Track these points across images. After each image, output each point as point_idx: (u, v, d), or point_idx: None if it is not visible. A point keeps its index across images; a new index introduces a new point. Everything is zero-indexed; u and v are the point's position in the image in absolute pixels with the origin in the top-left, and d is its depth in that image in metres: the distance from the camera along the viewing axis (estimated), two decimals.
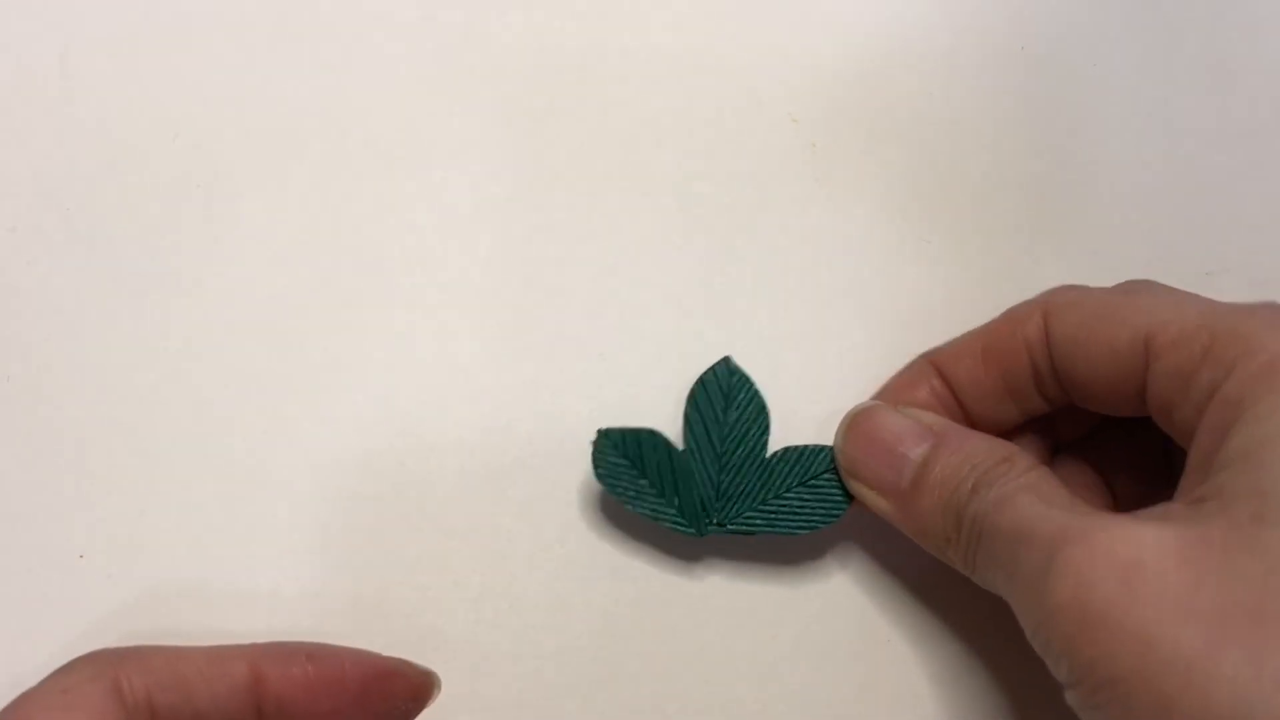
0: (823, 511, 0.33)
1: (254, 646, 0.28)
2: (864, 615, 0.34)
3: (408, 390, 0.35)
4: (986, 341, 0.32)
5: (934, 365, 0.33)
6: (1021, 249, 0.37)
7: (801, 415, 0.35)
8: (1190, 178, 0.38)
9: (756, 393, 0.33)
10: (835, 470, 0.33)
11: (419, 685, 0.29)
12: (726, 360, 0.34)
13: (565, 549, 0.34)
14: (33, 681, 0.27)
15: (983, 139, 0.38)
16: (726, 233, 0.37)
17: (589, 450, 0.33)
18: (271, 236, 0.37)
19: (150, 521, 0.34)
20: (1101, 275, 0.35)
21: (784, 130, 0.38)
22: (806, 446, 0.33)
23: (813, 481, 0.33)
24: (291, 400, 0.35)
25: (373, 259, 0.36)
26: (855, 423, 0.32)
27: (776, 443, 0.34)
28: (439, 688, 0.30)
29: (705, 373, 0.34)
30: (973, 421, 0.32)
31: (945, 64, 0.39)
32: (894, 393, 0.33)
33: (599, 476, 0.33)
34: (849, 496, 0.33)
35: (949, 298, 0.36)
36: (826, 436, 0.34)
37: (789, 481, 0.33)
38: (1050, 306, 0.31)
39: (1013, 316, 0.32)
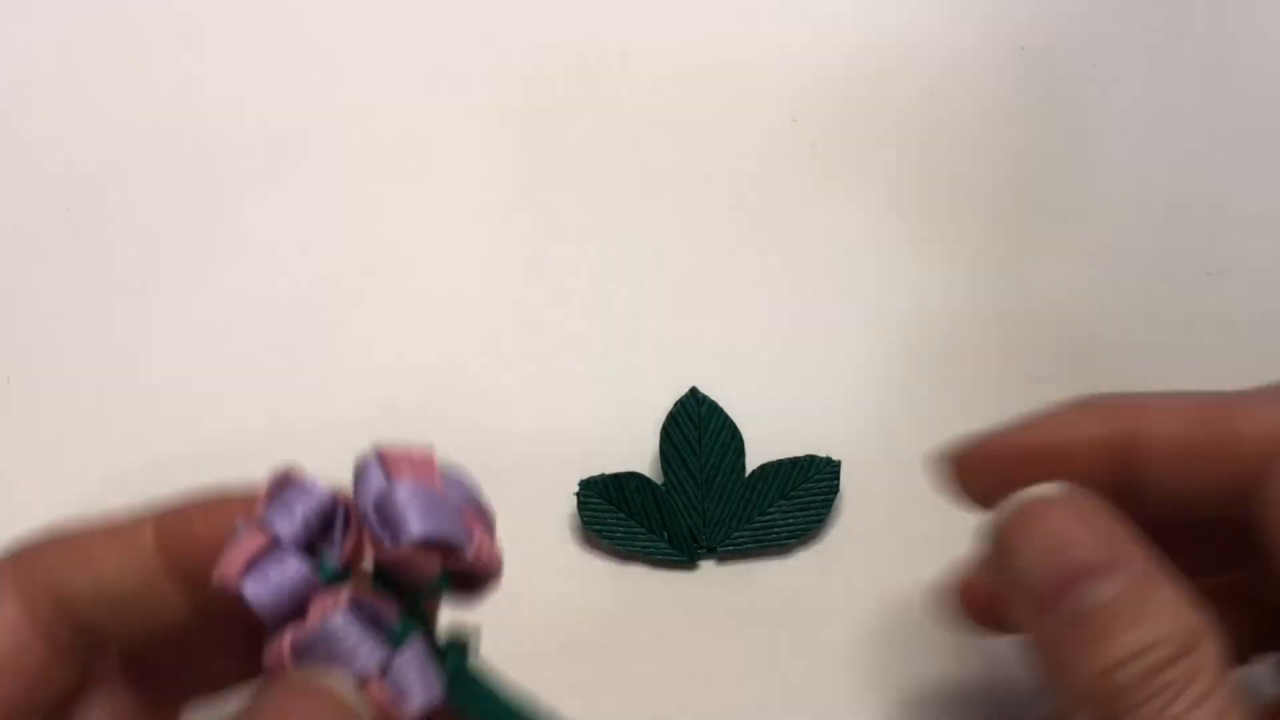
0: (805, 520, 0.33)
1: (157, 507, 0.25)
2: (864, 615, 0.34)
3: (408, 390, 0.35)
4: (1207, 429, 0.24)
5: (1120, 425, 0.25)
6: (1021, 249, 0.37)
7: (801, 416, 0.35)
8: (1190, 178, 0.38)
9: (727, 417, 0.34)
10: (811, 479, 0.34)
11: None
12: (694, 391, 0.34)
13: (565, 549, 0.34)
14: None
15: (983, 139, 0.38)
16: (726, 233, 0.37)
17: (575, 498, 0.34)
18: (272, 236, 0.37)
19: None
20: (1102, 275, 0.35)
21: (784, 130, 0.38)
22: (782, 460, 0.34)
23: (792, 493, 0.34)
24: (291, 400, 0.35)
25: (373, 259, 0.36)
26: (1029, 515, 0.24)
27: (779, 443, 0.34)
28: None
29: (674, 406, 0.34)
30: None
31: (945, 64, 0.39)
32: (1052, 449, 0.25)
33: (587, 524, 0.33)
34: (829, 502, 0.33)
35: (949, 298, 0.36)
36: (825, 436, 0.34)
37: (770, 496, 0.34)
38: None
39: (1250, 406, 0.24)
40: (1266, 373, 0.36)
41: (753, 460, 0.34)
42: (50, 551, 0.24)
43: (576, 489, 0.33)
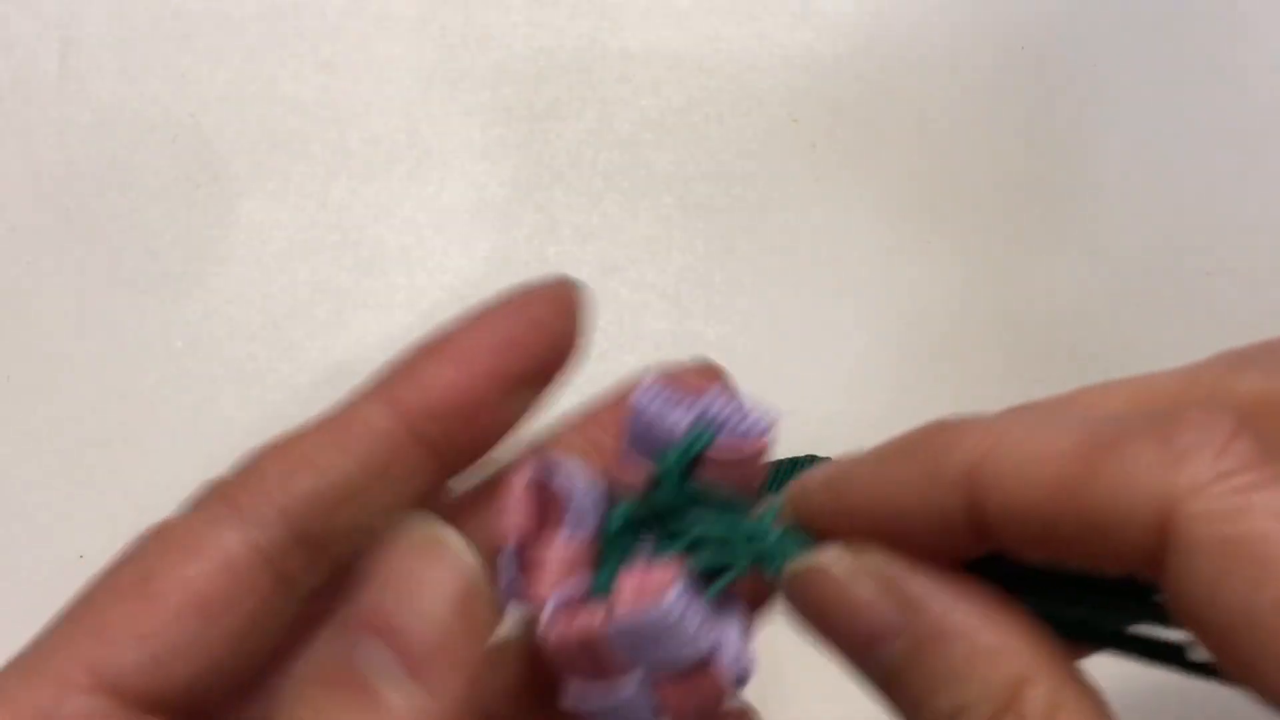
0: None
1: (375, 382, 0.23)
2: None
3: None
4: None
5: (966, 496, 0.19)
6: (1021, 249, 0.37)
7: (801, 415, 0.35)
8: (1190, 178, 0.38)
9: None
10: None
11: (559, 298, 0.24)
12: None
13: None
14: None
15: (983, 139, 0.38)
16: (726, 233, 0.37)
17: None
18: (271, 236, 0.37)
19: (150, 522, 0.34)
20: (1102, 275, 0.35)
21: (784, 130, 0.38)
22: (781, 460, 0.33)
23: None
24: (291, 400, 0.35)
25: (373, 259, 0.36)
26: (801, 585, 0.21)
27: (779, 442, 0.34)
28: (579, 286, 0.24)
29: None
30: None
31: (945, 64, 0.39)
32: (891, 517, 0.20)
33: None
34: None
35: (949, 298, 0.36)
36: (824, 436, 0.34)
37: (770, 495, 0.33)
38: None
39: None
40: None
41: None
42: (269, 461, 0.22)
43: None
